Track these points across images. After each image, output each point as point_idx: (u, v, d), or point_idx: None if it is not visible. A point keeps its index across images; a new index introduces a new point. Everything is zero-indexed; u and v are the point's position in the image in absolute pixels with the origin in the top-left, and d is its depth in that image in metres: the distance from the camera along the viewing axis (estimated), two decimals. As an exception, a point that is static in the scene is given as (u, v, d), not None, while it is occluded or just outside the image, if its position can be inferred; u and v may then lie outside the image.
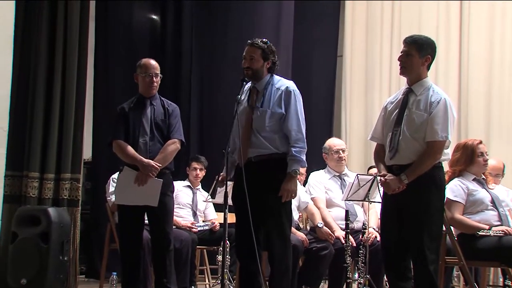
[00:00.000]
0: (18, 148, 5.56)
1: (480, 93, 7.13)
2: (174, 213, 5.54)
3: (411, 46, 3.64)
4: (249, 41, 3.97)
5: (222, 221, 3.81)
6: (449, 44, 7.27)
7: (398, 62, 3.71)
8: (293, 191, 3.79)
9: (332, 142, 5.28)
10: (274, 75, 3.97)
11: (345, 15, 7.82)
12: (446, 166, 3.79)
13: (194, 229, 5.52)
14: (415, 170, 3.54)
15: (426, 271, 3.49)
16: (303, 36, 7.63)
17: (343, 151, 5.17)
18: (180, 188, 5.75)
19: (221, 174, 3.89)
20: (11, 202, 5.46)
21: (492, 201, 4.29)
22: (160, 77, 4.45)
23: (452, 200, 4.23)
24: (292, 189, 3.78)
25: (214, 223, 5.70)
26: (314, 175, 5.20)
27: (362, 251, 4.70)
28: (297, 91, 3.92)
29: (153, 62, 4.45)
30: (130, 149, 4.31)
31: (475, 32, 7.18)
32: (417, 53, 3.62)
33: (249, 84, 3.95)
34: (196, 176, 5.84)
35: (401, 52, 3.69)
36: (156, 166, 4.25)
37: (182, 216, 5.63)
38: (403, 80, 3.83)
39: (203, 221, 5.82)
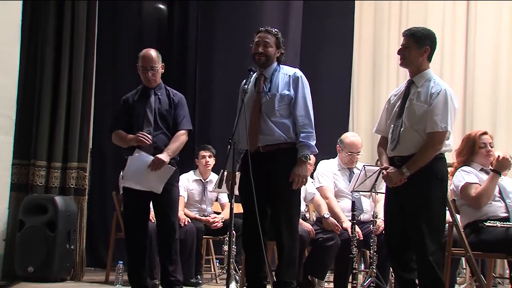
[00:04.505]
0: (26, 137, 5.57)
1: (486, 85, 7.11)
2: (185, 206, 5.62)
3: (409, 38, 3.67)
4: (261, 28, 3.97)
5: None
6: (455, 35, 7.25)
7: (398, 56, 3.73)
8: (304, 176, 3.80)
9: (350, 141, 5.09)
10: (280, 64, 3.99)
11: (354, 11, 7.81)
12: (448, 157, 3.77)
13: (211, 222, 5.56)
14: (416, 162, 3.54)
15: (427, 262, 3.50)
16: (315, 34, 7.63)
17: (358, 153, 5.09)
18: (191, 186, 5.74)
19: (227, 168, 3.88)
20: (19, 190, 5.47)
21: (500, 192, 4.28)
22: (157, 68, 4.35)
23: (470, 183, 4.21)
24: (302, 174, 3.78)
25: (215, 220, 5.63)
26: (323, 164, 5.16)
27: (372, 240, 4.66)
28: (304, 77, 3.97)
29: (151, 54, 4.37)
30: (122, 132, 4.31)
31: (481, 24, 7.15)
32: (415, 45, 3.64)
33: (254, 75, 3.95)
34: (206, 164, 5.75)
35: (400, 46, 3.71)
36: (144, 135, 4.21)
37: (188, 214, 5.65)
38: (410, 73, 3.82)
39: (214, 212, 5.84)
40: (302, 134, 3.84)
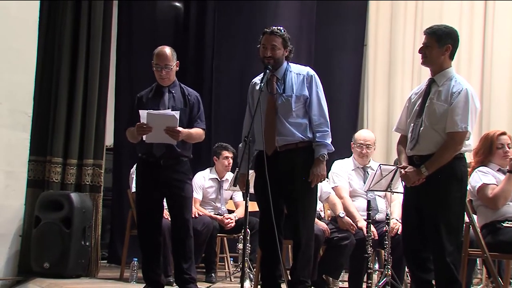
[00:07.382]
0: (42, 133, 5.60)
1: (503, 84, 7.04)
2: (200, 204, 5.63)
3: (430, 37, 3.64)
4: (266, 29, 3.95)
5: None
6: (472, 34, 7.19)
7: (420, 55, 3.70)
8: (322, 176, 3.86)
9: (359, 134, 5.16)
10: (289, 62, 3.98)
11: (370, 9, 7.80)
12: (468, 158, 3.73)
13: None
14: (435, 162, 3.51)
15: (444, 263, 3.47)
16: (328, 34, 7.62)
17: (367, 146, 5.04)
18: (207, 184, 5.76)
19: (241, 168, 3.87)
20: (35, 186, 5.50)
21: (518, 192, 4.23)
22: (171, 67, 4.31)
23: (487, 184, 4.17)
24: (321, 173, 3.85)
25: (229, 220, 5.64)
26: (338, 164, 5.14)
27: (386, 242, 4.64)
28: (317, 76, 3.98)
29: (166, 52, 4.33)
30: (132, 128, 4.28)
31: (499, 22, 7.08)
32: (436, 44, 3.61)
33: (266, 74, 3.92)
34: (228, 165, 5.80)
35: (422, 44, 3.68)
36: (142, 124, 4.14)
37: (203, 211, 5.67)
38: (425, 71, 3.81)
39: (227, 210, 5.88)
40: (318, 134, 3.87)
